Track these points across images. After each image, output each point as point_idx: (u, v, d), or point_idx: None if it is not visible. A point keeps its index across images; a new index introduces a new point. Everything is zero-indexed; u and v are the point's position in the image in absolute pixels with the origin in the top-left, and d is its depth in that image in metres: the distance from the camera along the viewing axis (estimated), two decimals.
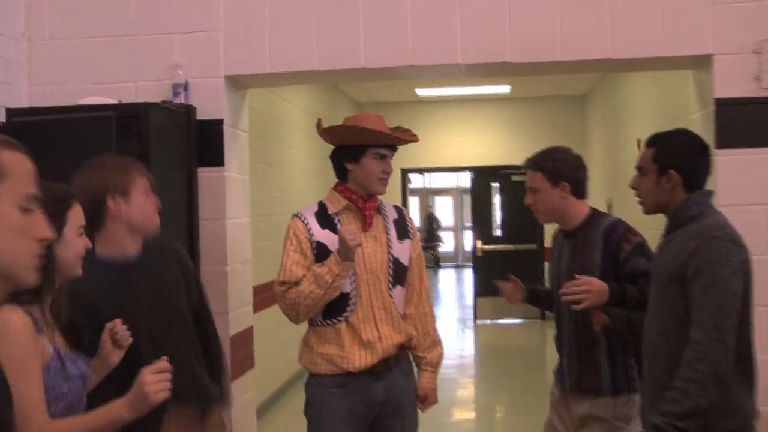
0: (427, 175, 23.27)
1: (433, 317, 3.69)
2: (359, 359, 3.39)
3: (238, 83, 4.39)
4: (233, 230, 4.34)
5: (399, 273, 3.52)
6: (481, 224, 13.42)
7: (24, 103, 4.29)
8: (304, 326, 3.58)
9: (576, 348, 3.43)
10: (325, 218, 3.47)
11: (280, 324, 5.67)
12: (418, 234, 3.73)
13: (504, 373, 9.17)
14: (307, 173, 9.18)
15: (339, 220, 3.45)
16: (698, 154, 2.92)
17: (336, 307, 3.41)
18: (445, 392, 8.19)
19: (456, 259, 24.75)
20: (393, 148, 3.52)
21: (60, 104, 4.11)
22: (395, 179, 12.61)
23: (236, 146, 4.42)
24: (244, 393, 4.52)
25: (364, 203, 3.49)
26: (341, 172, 3.52)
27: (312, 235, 3.42)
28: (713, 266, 2.65)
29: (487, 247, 12.76)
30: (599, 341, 3.34)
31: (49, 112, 3.89)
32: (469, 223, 17.16)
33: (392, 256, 3.50)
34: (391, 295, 3.48)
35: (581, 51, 4.07)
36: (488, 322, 12.74)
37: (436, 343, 3.68)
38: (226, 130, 4.27)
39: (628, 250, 3.28)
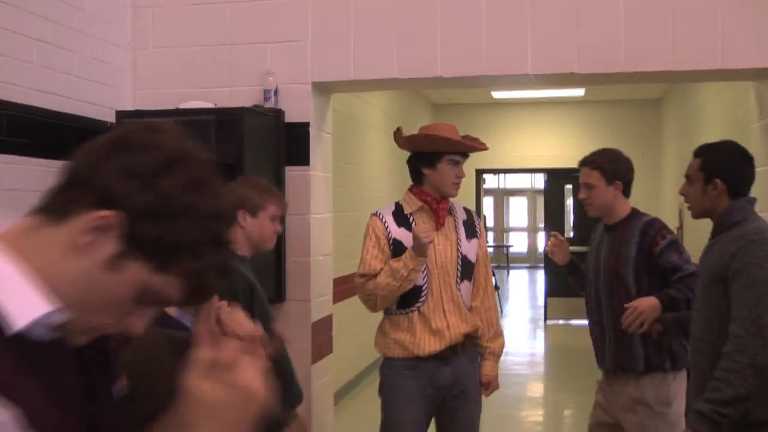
0: (501, 175, 23.41)
1: (496, 311, 4.06)
2: (428, 345, 3.76)
3: (323, 89, 4.74)
4: (316, 225, 4.68)
5: (466, 269, 3.89)
6: (554, 225, 13.58)
7: (129, 105, 4.70)
8: (379, 316, 3.94)
9: (614, 332, 3.75)
10: (401, 217, 3.86)
11: (357, 315, 6.02)
12: (485, 233, 4.11)
13: (572, 373, 9.34)
14: (383, 172, 9.50)
15: (414, 220, 3.83)
16: (743, 164, 3.18)
17: (409, 298, 3.79)
18: (515, 388, 8.49)
19: (530, 260, 24.82)
20: (465, 155, 3.90)
21: (161, 107, 4.50)
22: (470, 180, 12.84)
23: (320, 147, 4.77)
24: (324, 376, 4.86)
25: (437, 204, 3.85)
26: (417, 176, 3.90)
27: (389, 232, 3.81)
28: (752, 267, 2.90)
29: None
30: None
31: (154, 114, 4.28)
32: (542, 224, 17.25)
33: (461, 253, 3.87)
34: (458, 289, 3.84)
35: (644, 63, 4.30)
36: (560, 322, 12.91)
37: (499, 334, 4.04)
38: (312, 132, 4.61)
39: (662, 245, 3.61)
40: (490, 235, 24.24)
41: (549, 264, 13.32)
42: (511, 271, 23.11)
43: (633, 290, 3.69)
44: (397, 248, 3.77)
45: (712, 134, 7.75)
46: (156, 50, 4.75)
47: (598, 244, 3.95)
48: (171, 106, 4.47)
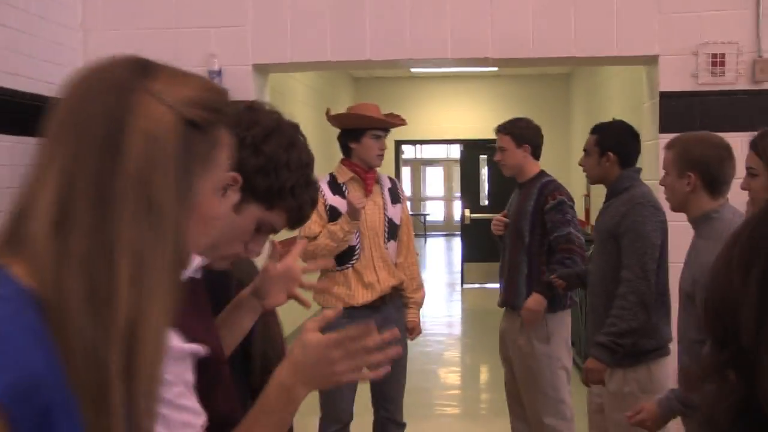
0: (418, 146, 23.98)
1: (417, 266, 4.65)
2: (362, 296, 4.32)
3: (262, 70, 5.18)
4: None
5: (392, 230, 4.46)
6: (470, 194, 14.22)
7: None
8: (314, 276, 4.45)
9: (507, 273, 4.52)
10: (335, 186, 4.37)
11: None
12: (406, 200, 4.71)
13: (488, 334, 9.96)
14: (311, 144, 9.93)
15: (346, 188, 4.35)
16: (631, 140, 3.80)
17: (344, 257, 4.32)
18: (435, 346, 9.10)
19: (446, 228, 25.48)
20: (387, 130, 4.43)
21: None
22: (389, 150, 13.33)
23: None
24: None
25: (365, 174, 4.39)
26: (346, 150, 4.43)
27: (326, 199, 4.29)
28: (638, 225, 3.52)
29: (474, 215, 13.56)
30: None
31: None
32: (458, 194, 17.89)
33: (387, 216, 4.44)
34: (386, 247, 4.41)
35: (550, 49, 4.87)
36: (476, 286, 13.56)
37: (420, 286, 4.63)
38: None
39: (551, 203, 4.29)
40: (408, 204, 24.83)
41: (466, 231, 13.97)
42: (429, 239, 23.72)
43: (526, 240, 4.36)
44: (333, 213, 4.27)
45: (614, 108, 8.40)
46: (106, 32, 5.11)
47: (513, 198, 4.61)
48: None
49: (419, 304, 4.60)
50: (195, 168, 1.07)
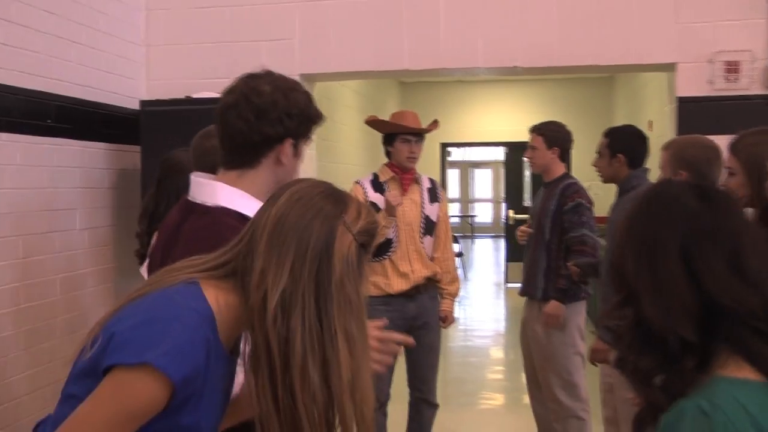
0: (467, 148, 24.28)
1: (453, 260, 5.03)
2: (397, 285, 4.74)
3: (309, 79, 5.62)
4: None
5: (428, 226, 4.85)
6: (513, 195, 14.56)
7: (143, 95, 5.54)
8: None
9: (527, 265, 4.93)
10: (377, 185, 4.84)
11: None
12: (446, 200, 5.08)
13: None
14: (355, 146, 10.35)
15: (387, 187, 4.80)
16: (639, 143, 4.18)
17: (383, 249, 4.73)
18: (478, 342, 9.46)
19: (494, 230, 25.72)
20: (418, 135, 4.79)
21: (171, 97, 5.36)
22: (435, 153, 13.67)
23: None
24: None
25: (402, 175, 4.82)
26: (387, 153, 4.88)
27: (367, 196, 4.75)
28: None
29: (518, 216, 13.87)
30: None
31: (172, 104, 5.14)
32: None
33: (424, 213, 4.84)
34: (422, 242, 4.81)
35: (575, 58, 5.24)
36: (520, 285, 13.81)
37: (455, 279, 5.00)
38: None
39: (569, 205, 4.64)
40: (456, 206, 25.12)
41: (510, 231, 14.29)
42: (476, 240, 24.03)
43: (547, 236, 4.72)
44: (374, 209, 4.62)
45: (651, 110, 8.68)
46: (167, 46, 5.59)
47: (539, 196, 5.00)
48: (180, 95, 5.33)
49: (453, 295, 4.97)
50: (363, 276, 1.65)
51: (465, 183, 26.59)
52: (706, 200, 1.43)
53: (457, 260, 16.28)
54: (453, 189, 23.40)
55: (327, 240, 1.57)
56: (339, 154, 9.40)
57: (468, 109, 13.65)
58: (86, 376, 1.55)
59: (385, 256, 4.76)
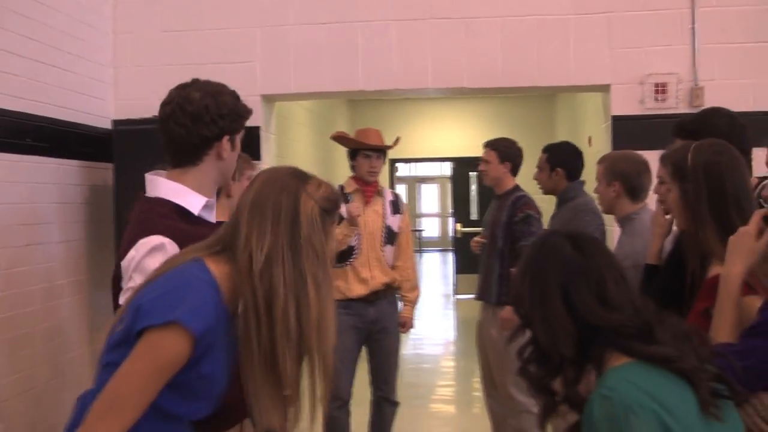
0: (414, 164, 24.67)
1: (414, 269, 5.44)
2: (357, 290, 5.09)
3: (269, 99, 5.96)
4: None
5: (390, 236, 5.24)
6: (461, 209, 14.96)
7: (112, 114, 5.82)
8: None
9: (483, 271, 5.25)
10: (342, 196, 5.09)
11: None
12: (407, 212, 5.50)
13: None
14: (308, 162, 10.63)
15: (351, 198, 5.16)
16: (575, 157, 4.62)
17: (345, 255, 5.09)
18: (430, 350, 9.80)
19: (441, 244, 26.09)
20: (378, 151, 5.20)
21: (138, 116, 5.65)
22: (383, 168, 13.99)
23: (267, 145, 5.97)
24: None
25: (364, 187, 5.21)
26: (352, 167, 5.28)
27: None
28: (580, 228, 4.28)
29: (465, 229, 14.24)
30: None
31: (142, 123, 5.42)
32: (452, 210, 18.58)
33: (386, 224, 5.22)
34: (383, 250, 5.19)
35: (517, 79, 5.67)
36: (469, 296, 14.19)
37: (415, 287, 5.42)
38: (261, 134, 5.82)
39: (520, 216, 5.01)
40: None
41: (458, 244, 14.68)
42: (424, 254, 24.38)
43: (499, 245, 5.09)
44: (338, 219, 5.10)
45: (592, 126, 9.10)
46: (134, 68, 5.89)
47: (491, 209, 5.37)
48: (147, 114, 5.60)
49: (413, 302, 5.37)
50: (326, 237, 2.02)
51: (413, 198, 26.95)
52: (578, 248, 1.91)
53: None
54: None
55: (294, 205, 1.96)
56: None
57: (416, 125, 13.99)
58: (121, 345, 1.92)
59: (347, 263, 5.10)
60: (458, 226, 14.51)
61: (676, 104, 5.47)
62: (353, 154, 5.24)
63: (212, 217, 2.56)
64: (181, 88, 2.58)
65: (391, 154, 13.42)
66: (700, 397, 1.75)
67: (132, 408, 1.86)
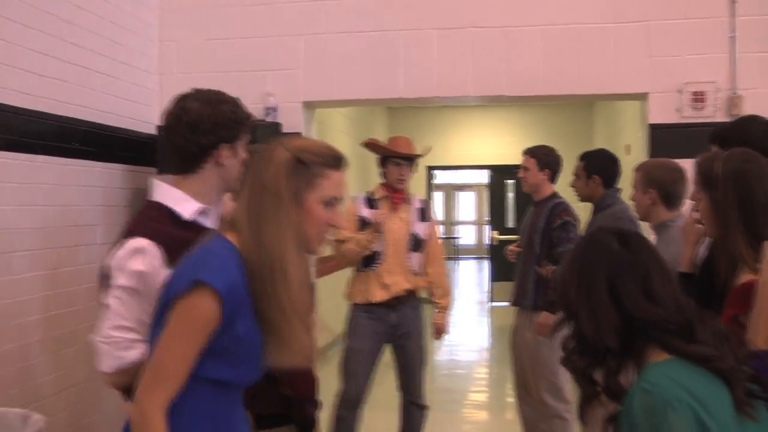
0: (452, 172, 24.67)
1: (446, 275, 5.46)
2: (378, 295, 5.16)
3: (311, 106, 6.06)
4: None
5: (416, 243, 5.26)
6: (497, 217, 14.98)
7: (155, 120, 5.93)
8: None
9: (518, 276, 5.29)
10: (370, 201, 5.30)
11: (334, 289, 7.24)
12: (436, 218, 5.54)
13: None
14: (350, 169, 10.76)
15: (378, 204, 5.25)
16: (611, 165, 4.65)
17: (369, 260, 5.19)
18: (465, 356, 9.84)
19: (478, 252, 26.08)
20: (409, 159, 5.24)
21: None
22: (421, 175, 14.03)
23: None
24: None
25: (393, 194, 5.27)
26: (382, 174, 5.33)
27: (359, 211, 5.23)
28: None
29: (502, 237, 14.24)
30: None
31: None
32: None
33: (412, 231, 5.26)
34: (408, 257, 5.22)
35: (557, 87, 5.70)
36: (504, 304, 14.20)
37: (447, 293, 5.43)
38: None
39: (558, 223, 5.04)
40: (441, 228, 25.36)
41: (494, 252, 14.70)
42: (460, 262, 24.42)
43: (537, 251, 5.12)
44: (362, 223, 5.18)
45: (630, 134, 9.13)
46: (179, 75, 6.01)
47: (528, 214, 5.42)
48: None
49: (446, 308, 5.40)
50: (300, 184, 2.09)
51: (449, 205, 26.99)
52: (625, 244, 1.99)
53: None
54: (438, 211, 23.75)
55: (268, 156, 2.11)
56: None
57: (453, 133, 14.05)
58: (159, 318, 2.07)
59: (372, 267, 5.19)
60: (494, 234, 14.53)
61: (714, 113, 5.48)
62: (383, 162, 5.30)
63: (209, 223, 2.62)
64: (180, 98, 2.68)
65: (429, 161, 13.74)
66: (736, 396, 1.82)
67: (174, 374, 2.00)
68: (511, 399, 7.09)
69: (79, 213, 4.95)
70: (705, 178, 2.69)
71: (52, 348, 4.69)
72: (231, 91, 5.82)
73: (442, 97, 5.90)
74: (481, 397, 8.39)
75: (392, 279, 5.16)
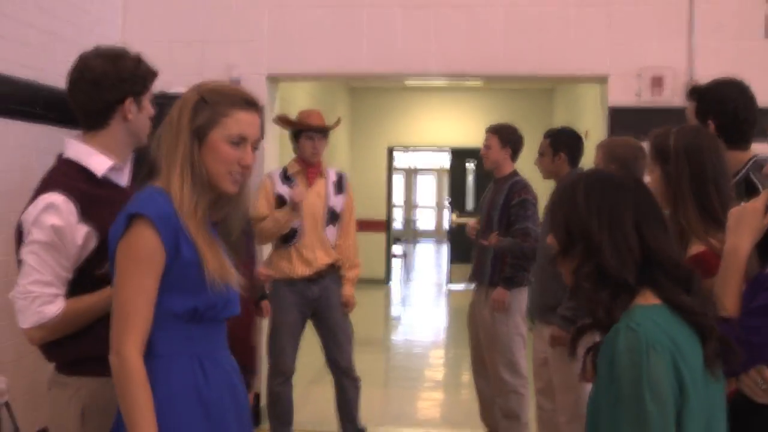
0: (411, 155, 24.75)
1: (355, 248, 5.40)
2: (301, 270, 5.20)
3: (274, 80, 6.08)
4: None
5: (332, 216, 5.29)
6: (457, 199, 15.10)
7: None
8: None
9: (477, 253, 5.44)
10: (285, 177, 5.26)
11: None
12: (351, 191, 5.44)
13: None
14: None
15: (295, 180, 5.22)
16: (577, 143, 4.73)
17: (288, 237, 5.19)
18: (421, 336, 9.94)
19: (437, 235, 26.17)
20: (321, 132, 5.23)
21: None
22: (381, 156, 14.09)
23: (270, 125, 6.09)
24: None
25: (308, 169, 5.27)
26: (294, 149, 5.36)
27: (275, 187, 5.20)
28: None
29: (461, 219, 14.31)
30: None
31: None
32: (447, 201, 18.69)
33: (328, 205, 5.26)
34: (325, 231, 5.25)
35: (518, 67, 5.80)
36: (461, 286, 14.33)
37: (355, 265, 5.39)
38: (266, 114, 5.94)
39: (516, 200, 5.15)
40: (399, 211, 25.56)
41: (452, 234, 14.83)
42: (419, 244, 24.52)
43: (495, 227, 5.20)
44: (279, 200, 5.16)
45: (589, 119, 9.24)
46: (142, 44, 5.94)
47: (488, 191, 5.51)
48: (154, 90, 5.73)
49: (352, 281, 5.35)
50: (202, 122, 2.20)
51: (409, 188, 27.03)
52: (641, 185, 2.06)
53: (399, 262, 16.74)
54: (398, 194, 23.88)
55: (181, 100, 2.25)
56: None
57: (415, 115, 14.08)
58: (113, 269, 2.21)
59: (291, 244, 5.19)
60: (454, 216, 14.63)
61: (672, 97, 5.60)
62: (296, 136, 5.28)
63: (122, 180, 2.67)
64: (82, 56, 2.71)
65: (389, 141, 13.80)
66: (708, 353, 1.93)
67: (139, 310, 2.08)
68: (466, 378, 7.24)
69: (40, 177, 4.92)
70: (658, 152, 2.76)
71: (11, 313, 4.66)
72: (195, 61, 5.86)
73: (405, 73, 5.96)
74: (438, 375, 8.48)
75: (313, 254, 5.19)
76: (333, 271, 5.28)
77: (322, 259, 5.21)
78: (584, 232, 1.99)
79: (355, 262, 5.40)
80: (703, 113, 3.31)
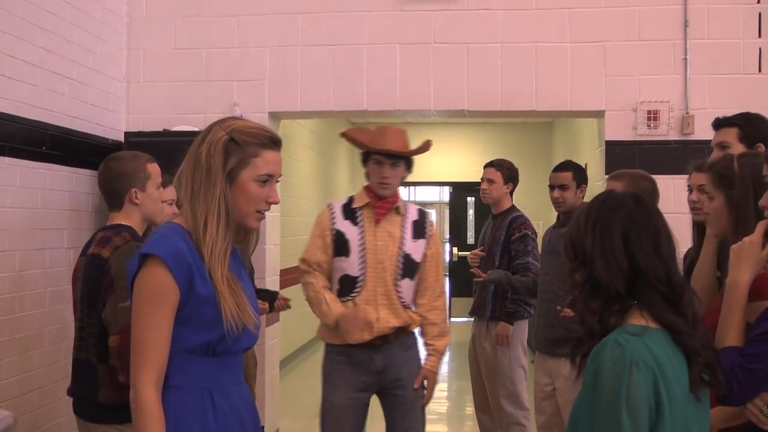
0: (412, 189, 24.75)
1: (443, 311, 4.10)
2: (357, 334, 3.88)
3: (276, 117, 6.17)
4: (268, 221, 6.06)
5: (408, 267, 3.96)
6: (457, 233, 15.11)
7: (122, 127, 6.02)
8: None
9: (479, 288, 5.43)
10: (349, 211, 4.04)
11: (301, 299, 7.29)
12: (436, 236, 4.18)
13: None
14: (310, 183, 10.85)
15: (361, 215, 4.02)
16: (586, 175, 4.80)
17: (345, 288, 3.96)
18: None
19: None
20: (393, 157, 4.01)
21: (149, 129, 5.87)
22: None
23: None
24: (272, 339, 6.27)
25: (376, 202, 4.02)
26: (366, 174, 4.11)
27: (334, 223, 3.99)
28: None
29: (462, 253, 14.32)
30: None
31: (152, 136, 5.65)
32: (448, 235, 18.72)
33: (403, 251, 3.96)
34: (397, 285, 3.93)
35: (516, 104, 5.89)
36: (463, 319, 14.30)
37: (444, 333, 4.09)
38: None
39: (516, 236, 5.20)
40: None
41: (454, 268, 14.81)
42: None
43: (496, 262, 5.25)
44: (338, 238, 3.97)
45: (588, 152, 9.30)
46: (146, 83, 6.09)
47: (487, 226, 5.58)
48: (156, 128, 5.84)
49: (439, 352, 4.07)
50: (233, 163, 2.25)
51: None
52: (640, 204, 2.15)
53: None
54: None
55: (203, 137, 2.27)
56: (296, 189, 9.84)
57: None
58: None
59: (348, 298, 3.95)
60: (455, 251, 14.63)
61: (668, 131, 5.69)
62: (365, 159, 4.08)
63: None
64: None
65: None
66: (692, 375, 2.03)
67: (152, 347, 2.14)
68: (470, 411, 7.22)
69: (45, 216, 5.00)
70: (722, 178, 2.79)
71: (17, 350, 4.72)
72: (198, 100, 5.95)
73: (404, 110, 6.04)
74: (441, 408, 8.47)
75: (375, 314, 3.89)
76: (403, 335, 4.00)
77: (386, 320, 3.90)
78: (581, 246, 2.13)
79: (445, 328, 4.11)
80: (751, 138, 3.39)
